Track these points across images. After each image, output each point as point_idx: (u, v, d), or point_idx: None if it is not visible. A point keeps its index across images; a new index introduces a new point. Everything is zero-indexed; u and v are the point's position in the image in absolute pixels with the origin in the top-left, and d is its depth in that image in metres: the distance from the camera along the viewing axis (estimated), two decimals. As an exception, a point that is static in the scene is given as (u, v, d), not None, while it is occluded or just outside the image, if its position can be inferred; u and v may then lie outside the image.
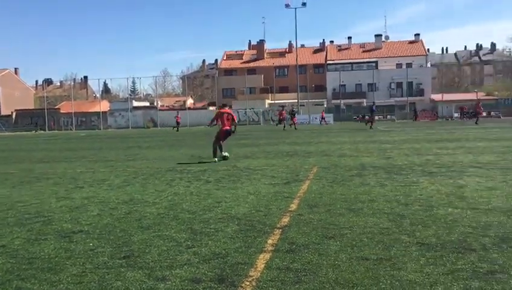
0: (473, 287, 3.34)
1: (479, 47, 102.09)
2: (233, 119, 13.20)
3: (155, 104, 69.63)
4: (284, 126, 37.00)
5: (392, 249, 4.27)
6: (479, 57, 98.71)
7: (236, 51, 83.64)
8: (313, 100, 63.10)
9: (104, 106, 67.02)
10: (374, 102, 37.64)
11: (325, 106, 62.77)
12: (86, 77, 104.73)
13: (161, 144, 22.68)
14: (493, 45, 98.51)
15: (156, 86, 78.85)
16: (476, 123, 34.91)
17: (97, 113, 63.77)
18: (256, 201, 6.77)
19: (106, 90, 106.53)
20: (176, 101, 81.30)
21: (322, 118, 51.26)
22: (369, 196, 6.89)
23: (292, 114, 37.78)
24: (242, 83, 67.45)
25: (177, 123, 42.43)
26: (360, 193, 7.17)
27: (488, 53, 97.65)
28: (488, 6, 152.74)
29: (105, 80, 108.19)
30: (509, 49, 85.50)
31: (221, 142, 13.02)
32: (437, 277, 3.57)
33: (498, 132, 23.63)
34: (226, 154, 12.88)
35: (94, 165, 12.87)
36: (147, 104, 73.33)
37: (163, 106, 72.50)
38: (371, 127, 33.29)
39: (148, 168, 11.70)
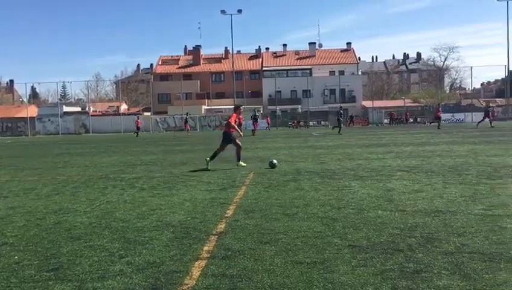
0: (401, 287, 3.50)
1: (406, 56, 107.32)
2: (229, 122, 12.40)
3: (87, 109, 67.21)
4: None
5: (325, 252, 4.38)
6: (406, 66, 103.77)
7: (172, 56, 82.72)
8: (250, 106, 63.58)
9: (31, 111, 63.72)
10: (340, 106, 37.60)
11: (261, 111, 63.41)
12: (11, 81, 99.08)
13: (93, 150, 21.92)
14: (419, 54, 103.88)
15: (88, 90, 76.00)
16: (438, 128, 35.43)
17: (24, 119, 60.54)
18: (192, 208, 6.71)
19: (34, 95, 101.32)
20: (109, 106, 78.90)
21: (268, 123, 51.71)
22: (303, 200, 7.03)
23: (255, 119, 35.59)
24: (178, 88, 66.76)
25: (138, 128, 41.38)
26: (295, 197, 7.30)
27: (414, 62, 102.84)
28: (414, 18, 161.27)
29: (33, 84, 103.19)
30: (433, 58, 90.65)
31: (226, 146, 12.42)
32: (367, 277, 3.70)
33: (423, 136, 24.94)
34: (241, 163, 12.11)
35: (20, 174, 12.20)
36: (79, 109, 70.64)
37: (95, 111, 70.13)
38: (339, 132, 32.96)
39: (79, 175, 11.26)
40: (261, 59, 79.33)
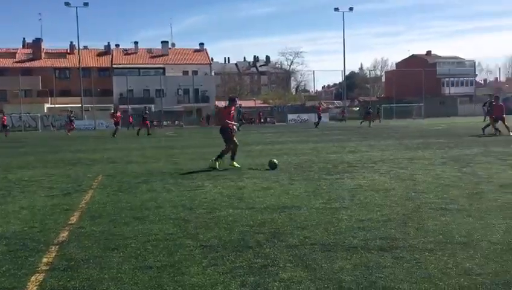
0: (249, 283, 3.59)
1: (256, 59, 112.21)
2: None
3: None
4: (115, 132, 30.54)
5: (176, 255, 4.31)
6: (256, 68, 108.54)
7: (7, 49, 74.70)
8: (99, 105, 60.53)
9: None
10: (240, 105, 36.91)
11: (112, 111, 60.76)
12: None
13: None
14: (268, 57, 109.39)
15: None
16: (316, 126, 36.28)
17: None
18: (31, 216, 6.10)
19: None
20: None
21: (130, 122, 48.03)
22: (155, 202, 6.87)
23: (144, 118, 32.06)
24: (15, 85, 60.55)
25: (4, 126, 36.00)
26: (146, 199, 7.10)
27: (263, 64, 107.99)
28: (263, 22, 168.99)
29: None
30: (281, 62, 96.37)
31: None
32: (218, 276, 3.73)
33: (272, 136, 26.30)
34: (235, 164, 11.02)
35: None
36: None
37: None
38: (238, 128, 32.51)
39: None
40: (110, 56, 75.98)
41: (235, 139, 11.17)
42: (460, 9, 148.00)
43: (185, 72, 74.44)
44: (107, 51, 78.14)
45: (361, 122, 36.18)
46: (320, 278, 3.64)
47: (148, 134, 30.92)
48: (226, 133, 11.14)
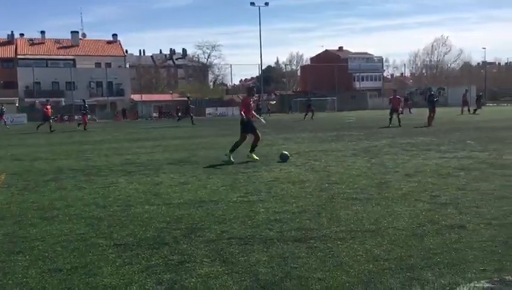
0: (165, 280, 3.52)
1: (173, 51, 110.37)
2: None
3: None
4: (50, 127, 28.22)
5: (88, 255, 4.13)
6: (173, 61, 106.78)
7: None
8: (2, 98, 56.29)
9: None
10: (188, 97, 35.86)
11: (17, 104, 56.94)
12: None
13: None
14: (184, 50, 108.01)
15: None
16: (261, 118, 36.79)
17: None
18: None
19: None
20: None
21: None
22: (65, 201, 6.53)
23: (84, 111, 29.68)
24: None
25: None
26: (55, 198, 6.72)
27: (180, 58, 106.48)
28: (178, 15, 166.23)
29: None
30: (198, 55, 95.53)
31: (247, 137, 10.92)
32: (132, 276, 3.62)
33: (190, 130, 26.01)
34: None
35: None
36: None
37: None
38: (192, 123, 31.29)
39: None
40: (14, 46, 70.85)
41: (257, 131, 10.97)
42: (369, 8, 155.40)
43: (98, 64, 71.26)
44: (10, 40, 72.70)
45: (304, 116, 36.62)
46: (237, 271, 3.66)
47: (79, 126, 29.23)
48: (244, 124, 10.87)
